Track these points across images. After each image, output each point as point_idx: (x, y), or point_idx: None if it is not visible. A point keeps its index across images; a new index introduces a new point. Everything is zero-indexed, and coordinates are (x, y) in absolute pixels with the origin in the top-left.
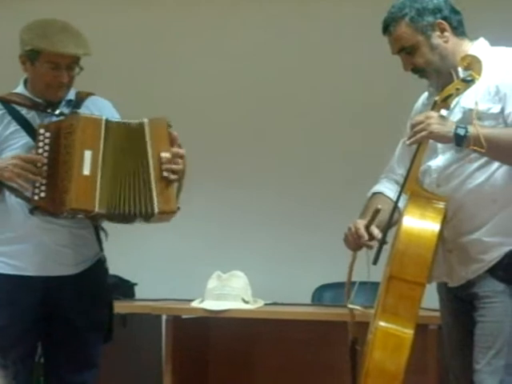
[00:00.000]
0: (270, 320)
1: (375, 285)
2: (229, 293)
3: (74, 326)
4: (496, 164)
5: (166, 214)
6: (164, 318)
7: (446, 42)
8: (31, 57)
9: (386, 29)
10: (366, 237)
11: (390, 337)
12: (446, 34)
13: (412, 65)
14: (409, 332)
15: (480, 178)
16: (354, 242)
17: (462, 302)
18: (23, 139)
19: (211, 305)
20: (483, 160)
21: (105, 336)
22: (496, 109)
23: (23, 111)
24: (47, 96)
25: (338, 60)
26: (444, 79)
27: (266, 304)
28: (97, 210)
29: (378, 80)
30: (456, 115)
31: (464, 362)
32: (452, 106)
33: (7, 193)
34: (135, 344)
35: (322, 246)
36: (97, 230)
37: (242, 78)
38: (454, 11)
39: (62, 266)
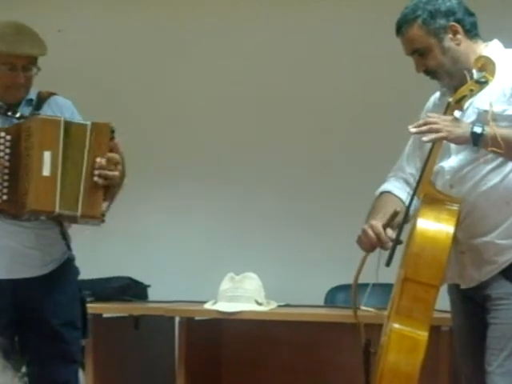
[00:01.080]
0: (283, 322)
1: (388, 286)
2: (242, 294)
3: (49, 326)
4: (510, 166)
5: (89, 219)
6: (177, 319)
7: (459, 44)
8: None
9: (399, 30)
10: (389, 241)
11: (405, 339)
12: (459, 36)
13: (424, 66)
14: (423, 334)
15: (494, 179)
16: (370, 244)
17: (473, 304)
18: None
19: (224, 306)
20: (497, 161)
21: (82, 333)
22: (511, 110)
23: None
24: (6, 98)
25: (344, 59)
26: (457, 81)
27: (279, 306)
28: (58, 210)
29: (383, 79)
30: (470, 116)
31: (476, 364)
32: (465, 107)
33: None
34: (148, 346)
35: (335, 247)
36: (62, 229)
37: (244, 78)
38: (468, 13)
39: (30, 268)
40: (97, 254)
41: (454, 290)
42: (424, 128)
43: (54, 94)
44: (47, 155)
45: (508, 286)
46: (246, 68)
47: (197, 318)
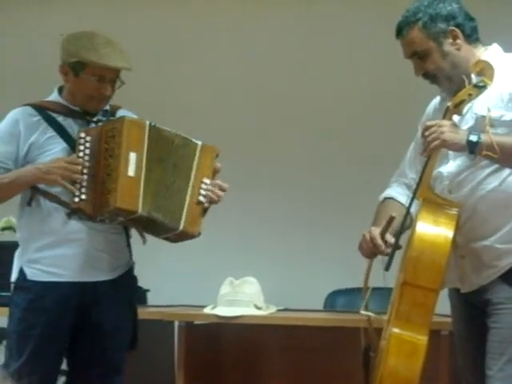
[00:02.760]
0: (282, 326)
1: (389, 290)
2: (241, 299)
3: (103, 331)
4: (508, 170)
5: (187, 235)
6: (176, 324)
7: (458, 49)
8: (76, 68)
9: (400, 32)
10: (383, 246)
11: (405, 343)
12: (459, 41)
13: (423, 70)
14: (422, 338)
15: (492, 183)
16: (369, 250)
17: (474, 308)
18: (59, 145)
19: (224, 311)
20: (495, 166)
21: (130, 343)
22: (509, 116)
23: (59, 118)
24: (88, 107)
25: (344, 60)
26: (456, 86)
27: (278, 310)
28: (140, 211)
29: (386, 82)
30: (468, 122)
31: (476, 368)
32: (464, 111)
33: (42, 199)
34: (148, 350)
35: (335, 251)
36: (128, 236)
37: (244, 77)
38: (469, 18)
39: (99, 272)
40: None
41: (455, 294)
42: (427, 146)
43: (121, 106)
44: (133, 156)
45: (508, 290)
46: (246, 68)
47: (196, 322)
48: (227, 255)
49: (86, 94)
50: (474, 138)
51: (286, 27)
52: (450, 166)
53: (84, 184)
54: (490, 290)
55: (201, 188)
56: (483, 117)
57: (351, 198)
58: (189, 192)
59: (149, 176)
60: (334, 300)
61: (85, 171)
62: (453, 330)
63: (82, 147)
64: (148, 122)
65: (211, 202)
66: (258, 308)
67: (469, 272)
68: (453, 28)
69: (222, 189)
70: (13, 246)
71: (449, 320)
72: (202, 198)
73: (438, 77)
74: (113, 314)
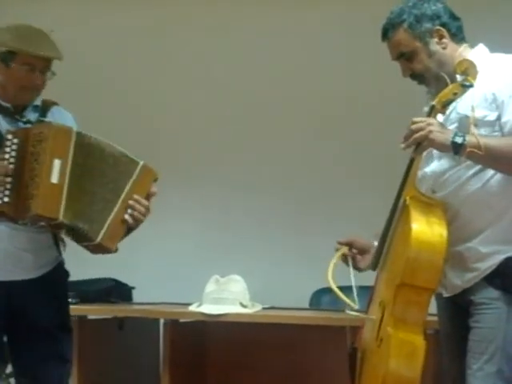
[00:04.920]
0: (267, 324)
1: (366, 289)
2: (227, 297)
3: (42, 328)
4: (491, 171)
5: (103, 248)
6: (162, 321)
7: (445, 48)
8: (6, 58)
9: (385, 35)
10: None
11: (404, 344)
12: (445, 40)
13: (410, 71)
14: (420, 337)
15: (476, 184)
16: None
17: (458, 308)
18: None
19: (209, 309)
20: (479, 166)
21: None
22: (492, 116)
23: None
24: (17, 99)
25: (341, 60)
26: (444, 85)
27: (263, 308)
28: (61, 218)
29: (383, 82)
30: (453, 121)
31: (462, 367)
32: (449, 111)
33: None
34: (132, 347)
35: (320, 250)
36: (55, 235)
37: (242, 80)
38: (454, 17)
39: (24, 270)
40: (81, 256)
41: (440, 294)
42: (411, 141)
43: (56, 103)
44: (57, 163)
45: (490, 291)
46: (247, 70)
47: (181, 320)
48: (213, 253)
49: (17, 84)
50: (459, 139)
51: (283, 28)
52: (434, 165)
53: (8, 187)
54: (472, 291)
55: (129, 207)
56: (467, 117)
57: (337, 198)
58: (116, 207)
59: (73, 184)
60: (319, 298)
61: (9, 173)
62: (439, 329)
63: (8, 149)
64: (75, 130)
65: (135, 220)
66: (244, 306)
67: (451, 277)
68: (438, 27)
69: (146, 209)
70: None
71: (433, 319)
72: (127, 217)
73: (426, 76)
74: (49, 311)
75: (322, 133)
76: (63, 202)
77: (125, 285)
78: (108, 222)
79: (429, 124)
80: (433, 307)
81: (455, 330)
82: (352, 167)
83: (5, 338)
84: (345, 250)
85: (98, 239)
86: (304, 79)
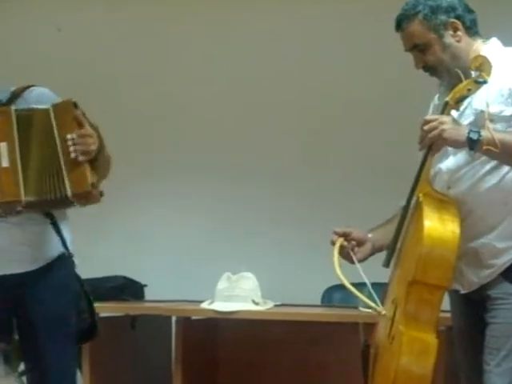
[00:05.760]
0: (279, 321)
1: (381, 286)
2: (238, 294)
3: (37, 323)
4: (507, 167)
5: (82, 196)
6: (174, 319)
7: (459, 41)
8: None
9: (399, 25)
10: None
11: (416, 342)
12: (459, 33)
13: (423, 63)
14: (432, 335)
15: (491, 180)
16: None
17: (473, 304)
18: None
19: (221, 306)
20: (495, 162)
21: (89, 333)
22: (508, 111)
23: None
24: None
25: (345, 60)
26: (456, 78)
27: (275, 305)
28: (24, 198)
29: (381, 79)
30: (468, 117)
31: (476, 364)
32: (464, 106)
33: None
34: (145, 345)
35: (331, 246)
36: (55, 225)
37: (244, 75)
38: (468, 10)
39: (20, 263)
40: (93, 254)
41: (454, 290)
42: (426, 141)
43: (30, 86)
44: (3, 146)
45: (507, 286)
46: (247, 66)
47: (193, 317)
48: (224, 250)
49: None
50: (474, 135)
51: (288, 26)
52: (450, 161)
53: None
54: (489, 286)
55: (69, 146)
56: (482, 112)
57: (349, 195)
58: (61, 157)
59: (25, 161)
60: (331, 295)
61: None
62: (452, 325)
63: None
64: (13, 108)
65: (84, 153)
66: (256, 303)
67: (467, 272)
68: (453, 20)
69: (87, 135)
70: None
71: (446, 315)
72: (73, 155)
73: (439, 69)
74: (39, 304)
75: (332, 132)
76: (21, 183)
77: (137, 282)
78: (64, 173)
79: (441, 122)
80: (445, 303)
81: (468, 326)
82: (366, 164)
83: (16, 336)
84: (342, 241)
85: (70, 193)
86: (321, 79)
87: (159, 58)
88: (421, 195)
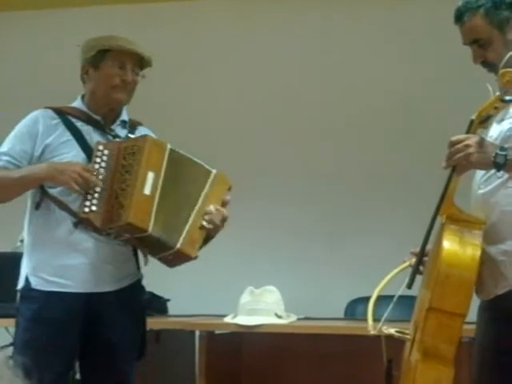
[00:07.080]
0: (303, 334)
1: (411, 299)
2: (262, 308)
3: (112, 343)
4: None
5: (183, 256)
6: (197, 333)
7: None
8: (97, 59)
9: (460, 18)
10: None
11: (431, 371)
12: None
13: (482, 58)
14: (448, 367)
15: None
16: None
17: (493, 317)
18: (74, 150)
19: (244, 320)
20: None
21: (138, 352)
22: None
23: (78, 123)
24: (110, 100)
25: (355, 63)
26: None
27: (298, 319)
28: (150, 230)
29: (407, 90)
30: (504, 126)
31: (490, 379)
32: (498, 118)
33: (51, 205)
34: (169, 360)
35: (354, 259)
36: (135, 248)
37: (263, 86)
38: None
39: (104, 283)
40: None
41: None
42: (451, 163)
43: (141, 123)
44: (150, 175)
45: None
46: (267, 75)
47: (217, 331)
48: (247, 265)
49: (108, 84)
50: (500, 159)
51: (302, 32)
52: None
53: (96, 196)
54: (506, 298)
55: (206, 214)
56: None
57: (370, 207)
58: (193, 215)
59: (163, 197)
60: (354, 308)
61: (99, 184)
62: (475, 340)
63: (98, 159)
64: (169, 145)
65: (213, 227)
66: (279, 317)
67: (487, 279)
68: None
69: (223, 216)
70: None
71: (470, 327)
72: (204, 223)
73: (498, 66)
74: (118, 325)
75: (361, 146)
76: (153, 214)
77: (160, 297)
78: (186, 228)
79: (467, 146)
80: (470, 315)
81: (486, 341)
82: (388, 180)
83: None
84: (411, 262)
85: (178, 245)
86: (339, 83)
87: (174, 70)
88: (444, 217)
